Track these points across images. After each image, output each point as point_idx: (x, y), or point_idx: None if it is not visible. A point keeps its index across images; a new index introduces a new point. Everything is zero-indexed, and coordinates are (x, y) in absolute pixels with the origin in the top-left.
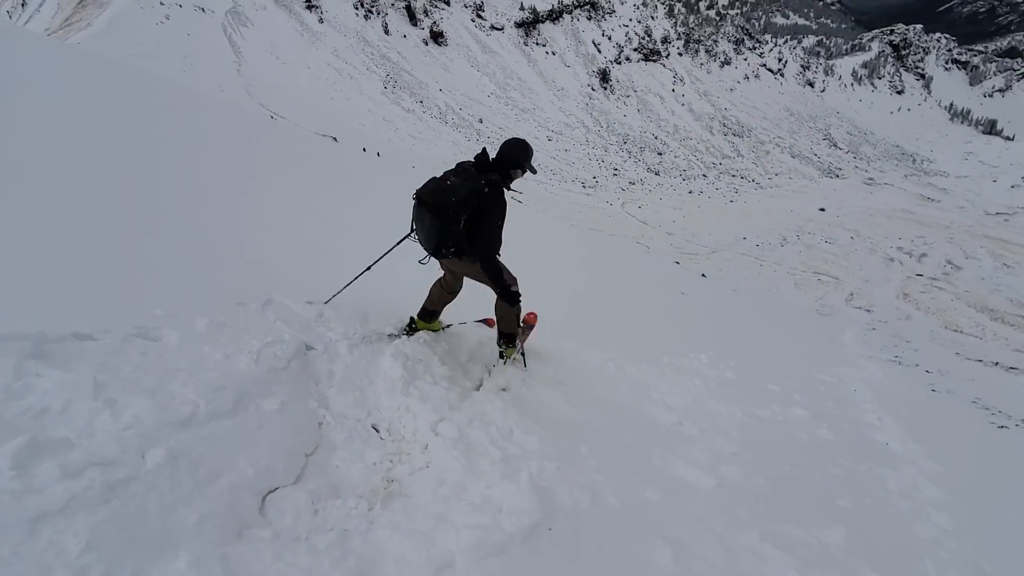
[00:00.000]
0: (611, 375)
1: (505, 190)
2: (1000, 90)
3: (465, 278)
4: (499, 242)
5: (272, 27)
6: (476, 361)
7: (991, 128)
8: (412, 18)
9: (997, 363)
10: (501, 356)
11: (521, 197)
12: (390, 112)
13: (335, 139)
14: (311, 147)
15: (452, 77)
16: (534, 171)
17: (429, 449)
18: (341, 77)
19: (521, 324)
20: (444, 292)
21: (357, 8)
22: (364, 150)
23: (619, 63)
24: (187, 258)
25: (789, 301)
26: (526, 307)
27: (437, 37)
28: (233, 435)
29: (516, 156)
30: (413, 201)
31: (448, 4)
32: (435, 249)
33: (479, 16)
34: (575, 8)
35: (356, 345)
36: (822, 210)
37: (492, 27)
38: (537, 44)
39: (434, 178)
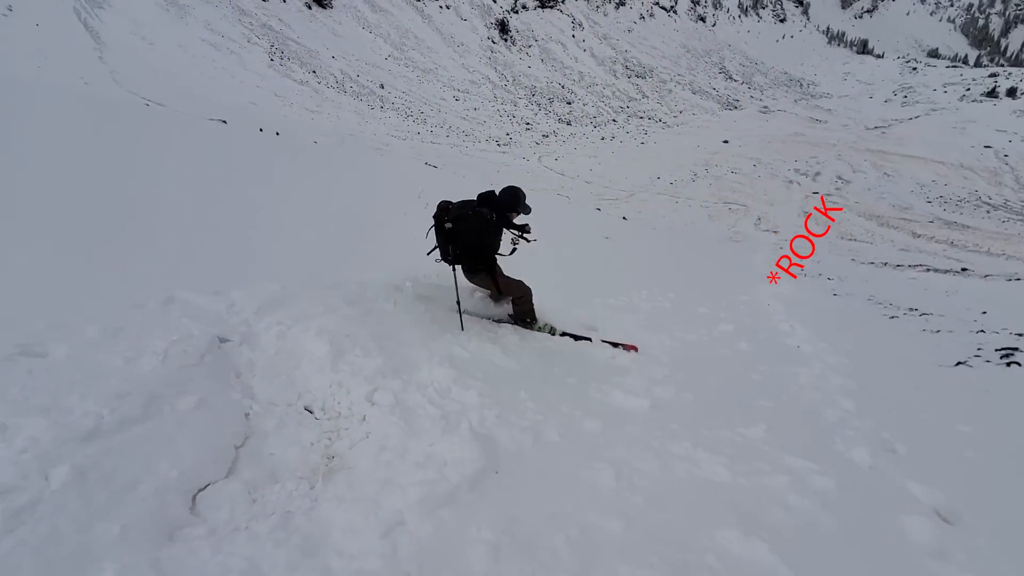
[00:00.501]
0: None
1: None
2: (868, 11)
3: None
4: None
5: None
6: (409, 328)
7: (864, 47)
8: None
9: (886, 263)
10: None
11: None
12: (282, 86)
13: (224, 122)
14: (198, 132)
15: (344, 42)
16: (527, 211)
17: (367, 420)
18: (220, 53)
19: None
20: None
21: None
22: (261, 130)
23: (516, 12)
24: (70, 264)
25: (705, 232)
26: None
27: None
28: (148, 440)
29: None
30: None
31: None
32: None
33: None
34: None
35: (273, 328)
36: (725, 142)
37: None
38: None
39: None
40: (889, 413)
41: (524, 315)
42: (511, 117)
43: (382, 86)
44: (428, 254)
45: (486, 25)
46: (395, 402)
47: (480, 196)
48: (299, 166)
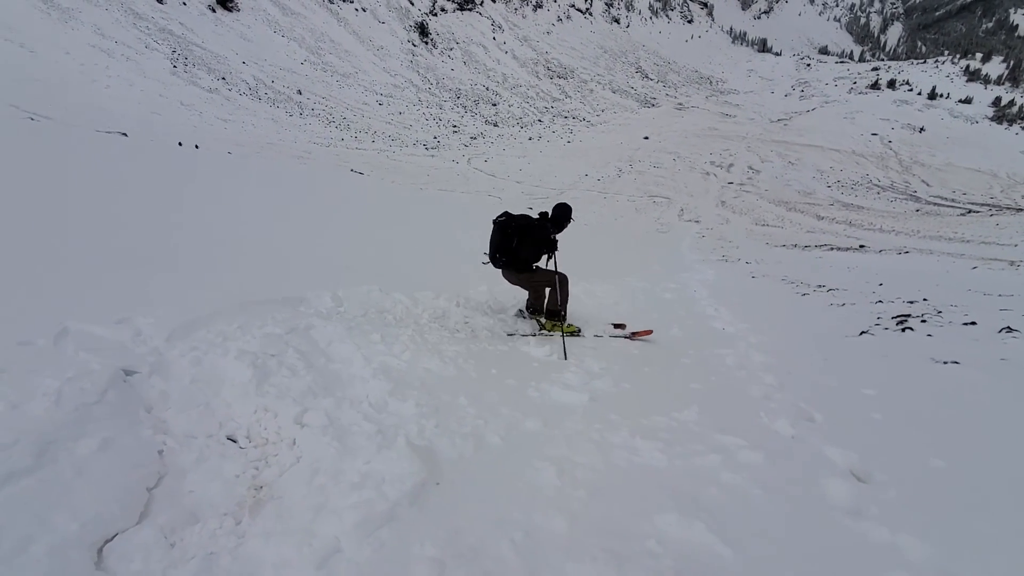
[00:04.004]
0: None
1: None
2: (765, 12)
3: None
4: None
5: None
6: (341, 341)
7: (763, 46)
8: None
9: (795, 245)
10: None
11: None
12: (188, 95)
13: (124, 134)
14: (95, 148)
15: (254, 47)
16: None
17: (297, 444)
18: (114, 60)
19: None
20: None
21: None
22: (180, 144)
23: (435, 14)
24: None
25: (633, 225)
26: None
27: (225, 2)
28: (41, 492)
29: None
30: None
31: None
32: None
33: None
34: None
35: (187, 355)
36: (646, 138)
37: None
38: (344, 1)
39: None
40: (805, 384)
41: (537, 311)
42: (437, 120)
43: (300, 92)
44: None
45: (405, 28)
46: (327, 422)
47: (540, 213)
48: (213, 179)
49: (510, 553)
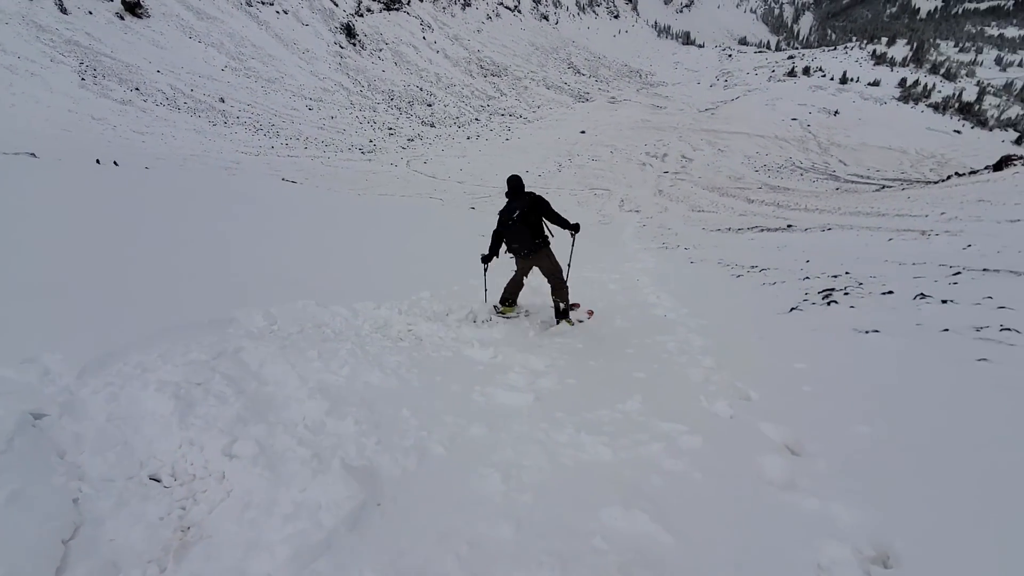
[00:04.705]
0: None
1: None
2: (686, 5)
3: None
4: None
5: None
6: (274, 361)
7: (687, 39)
8: None
9: (730, 228)
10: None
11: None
12: (99, 108)
13: (33, 155)
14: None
15: (168, 54)
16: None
17: (227, 477)
18: (17, 76)
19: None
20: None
21: None
22: (98, 162)
23: (361, 15)
24: None
25: (577, 218)
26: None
27: (134, 8)
28: None
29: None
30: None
31: None
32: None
33: None
34: None
35: (102, 391)
36: (583, 132)
37: None
38: (263, 3)
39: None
40: (741, 363)
41: (565, 299)
42: (372, 123)
43: (222, 100)
44: (485, 261)
45: (330, 30)
46: (259, 450)
47: (515, 187)
48: (129, 196)
49: (455, 568)
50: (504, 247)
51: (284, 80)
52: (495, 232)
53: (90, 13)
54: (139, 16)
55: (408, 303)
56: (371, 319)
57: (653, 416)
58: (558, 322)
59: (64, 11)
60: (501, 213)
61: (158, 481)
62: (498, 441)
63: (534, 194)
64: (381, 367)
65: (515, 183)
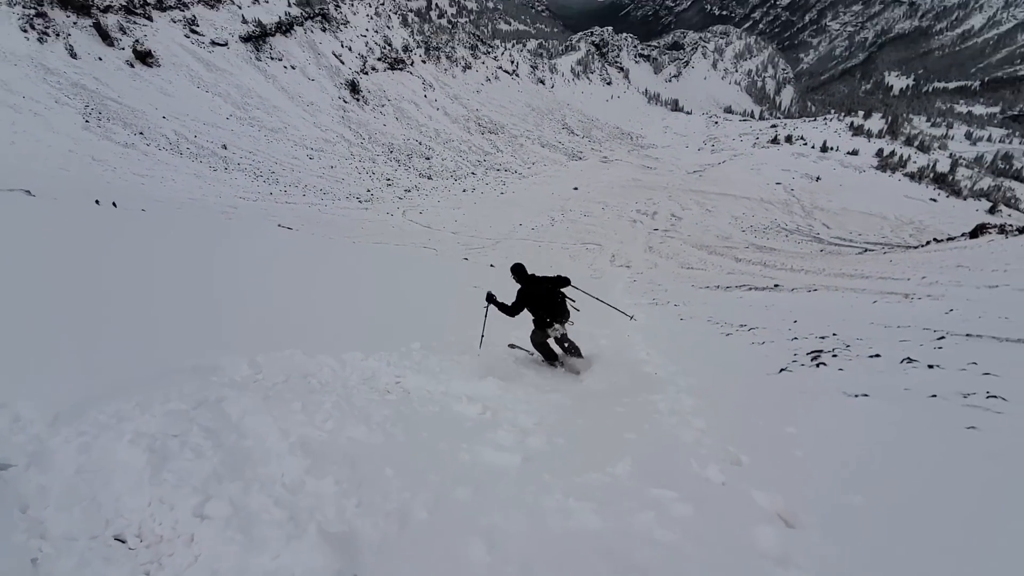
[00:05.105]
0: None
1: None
2: (675, 76)
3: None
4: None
5: None
6: (256, 413)
7: (675, 106)
8: (105, 37)
9: (718, 286)
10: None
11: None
12: (100, 150)
13: (28, 192)
14: None
15: (175, 102)
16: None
17: (196, 540)
18: (20, 115)
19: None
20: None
21: (26, 31)
22: (97, 202)
23: (366, 73)
24: None
25: (568, 272)
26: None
27: (144, 57)
28: None
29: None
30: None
31: (151, 20)
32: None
33: (194, 31)
34: (306, 20)
35: (74, 441)
36: (576, 189)
37: (213, 43)
38: (272, 59)
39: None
40: (732, 426)
41: (574, 348)
42: (371, 174)
43: (225, 146)
44: (490, 301)
45: (336, 85)
46: (232, 511)
47: (530, 275)
48: (124, 237)
49: None
50: (534, 317)
51: (287, 130)
52: (515, 304)
53: (100, 59)
54: (149, 65)
55: (398, 354)
56: (359, 370)
57: (644, 481)
58: (573, 356)
59: (74, 56)
60: (524, 295)
61: (123, 542)
62: (484, 505)
63: (549, 277)
64: (366, 421)
65: (523, 269)
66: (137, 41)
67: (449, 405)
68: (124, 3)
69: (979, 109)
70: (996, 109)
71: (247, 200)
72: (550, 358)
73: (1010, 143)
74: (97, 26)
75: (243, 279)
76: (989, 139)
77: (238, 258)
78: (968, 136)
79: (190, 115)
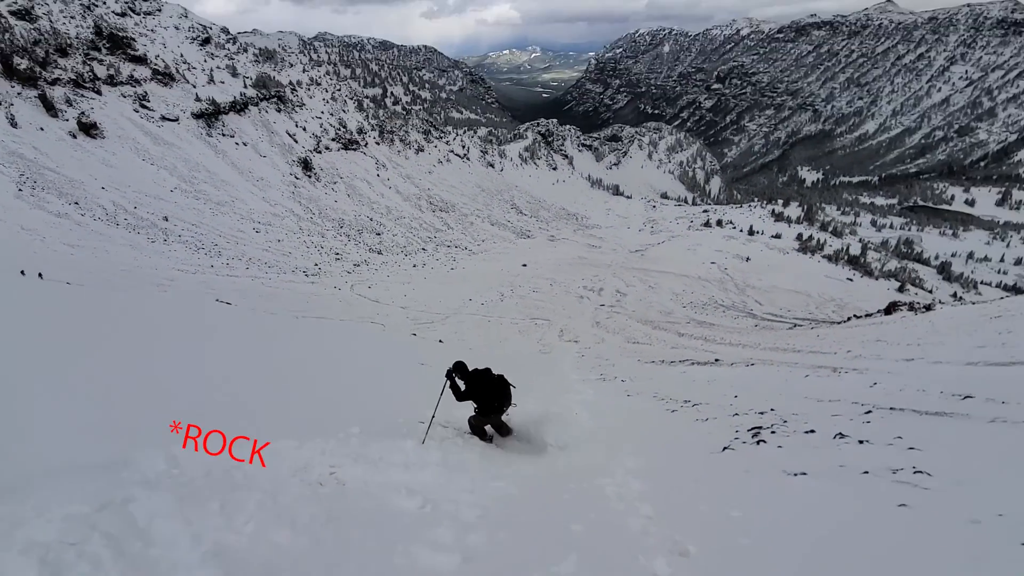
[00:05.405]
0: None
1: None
2: (615, 164)
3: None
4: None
5: None
6: (167, 516)
7: (616, 190)
8: (50, 108)
9: (663, 360)
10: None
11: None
12: (30, 219)
13: None
14: None
15: (117, 173)
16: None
17: None
18: None
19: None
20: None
21: None
22: (23, 273)
23: (320, 152)
24: None
25: (517, 347)
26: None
27: (89, 129)
28: None
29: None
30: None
31: (99, 94)
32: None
33: (144, 107)
34: (261, 100)
35: None
36: (524, 265)
37: (164, 118)
38: (224, 135)
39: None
40: (679, 511)
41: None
42: (319, 248)
43: (166, 218)
44: (449, 377)
45: (288, 163)
46: None
47: (473, 371)
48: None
49: None
50: (478, 405)
51: (234, 204)
52: (467, 393)
53: (41, 129)
54: (93, 136)
55: (335, 441)
56: (290, 460)
57: None
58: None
59: (14, 125)
60: (475, 385)
61: None
62: None
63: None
64: (292, 524)
65: (464, 367)
66: (83, 113)
67: (387, 499)
68: (73, 77)
69: (880, 200)
70: (894, 200)
71: (185, 272)
72: (482, 436)
73: (909, 230)
74: (43, 97)
75: (166, 360)
76: (891, 226)
77: (164, 336)
78: (873, 223)
79: (132, 186)
